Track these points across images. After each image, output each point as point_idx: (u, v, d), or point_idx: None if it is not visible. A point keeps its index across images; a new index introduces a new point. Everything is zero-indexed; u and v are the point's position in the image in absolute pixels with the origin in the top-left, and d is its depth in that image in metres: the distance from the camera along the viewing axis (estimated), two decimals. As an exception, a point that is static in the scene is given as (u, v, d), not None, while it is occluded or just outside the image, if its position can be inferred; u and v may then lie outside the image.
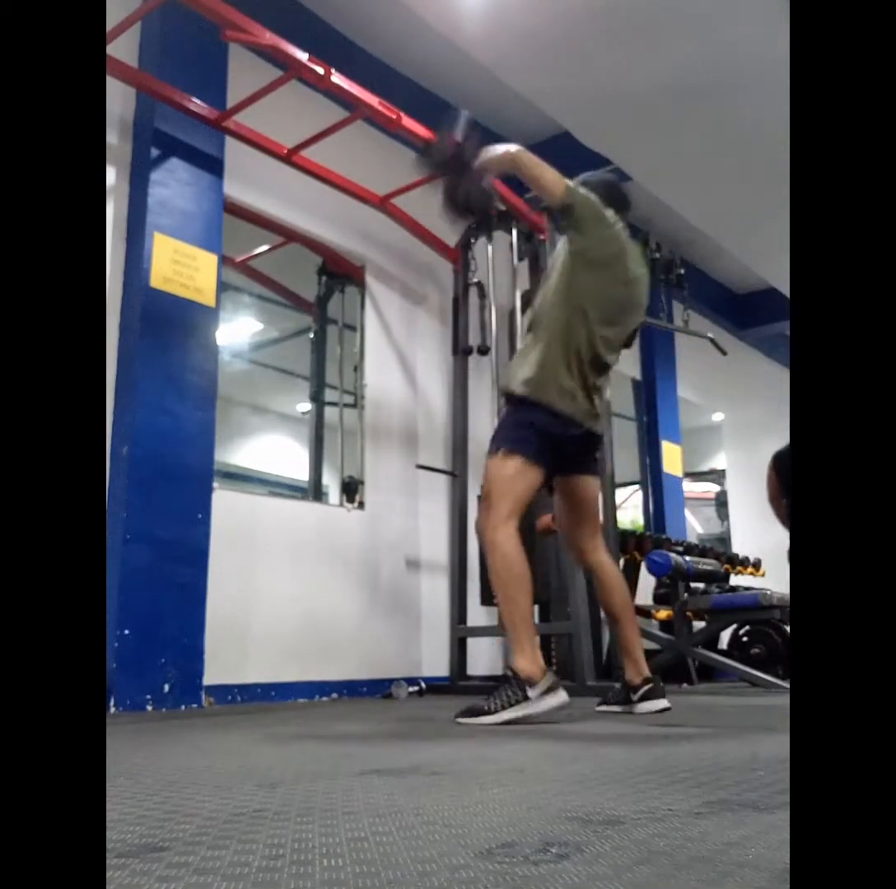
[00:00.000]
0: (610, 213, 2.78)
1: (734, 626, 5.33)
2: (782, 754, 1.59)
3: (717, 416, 8.58)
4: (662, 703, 2.77)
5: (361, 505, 4.62)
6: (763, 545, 7.20)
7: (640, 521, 7.20)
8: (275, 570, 4.05)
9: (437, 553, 4.88)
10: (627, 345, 2.93)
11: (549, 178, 2.74)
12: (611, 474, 4.65)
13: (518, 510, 2.65)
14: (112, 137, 3.75)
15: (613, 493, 5.15)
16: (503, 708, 2.44)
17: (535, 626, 2.67)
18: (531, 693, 2.45)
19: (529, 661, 2.49)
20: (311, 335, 5.19)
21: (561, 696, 2.49)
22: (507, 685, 2.48)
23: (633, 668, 2.83)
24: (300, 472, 5.34)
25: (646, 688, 2.78)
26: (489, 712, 2.44)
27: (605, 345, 2.76)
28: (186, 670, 3.41)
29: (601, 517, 3.13)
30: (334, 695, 4.16)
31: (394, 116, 3.86)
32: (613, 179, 3.09)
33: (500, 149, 2.85)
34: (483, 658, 4.97)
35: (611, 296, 2.78)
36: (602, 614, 4.93)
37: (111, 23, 3.33)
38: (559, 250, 2.89)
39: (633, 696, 2.81)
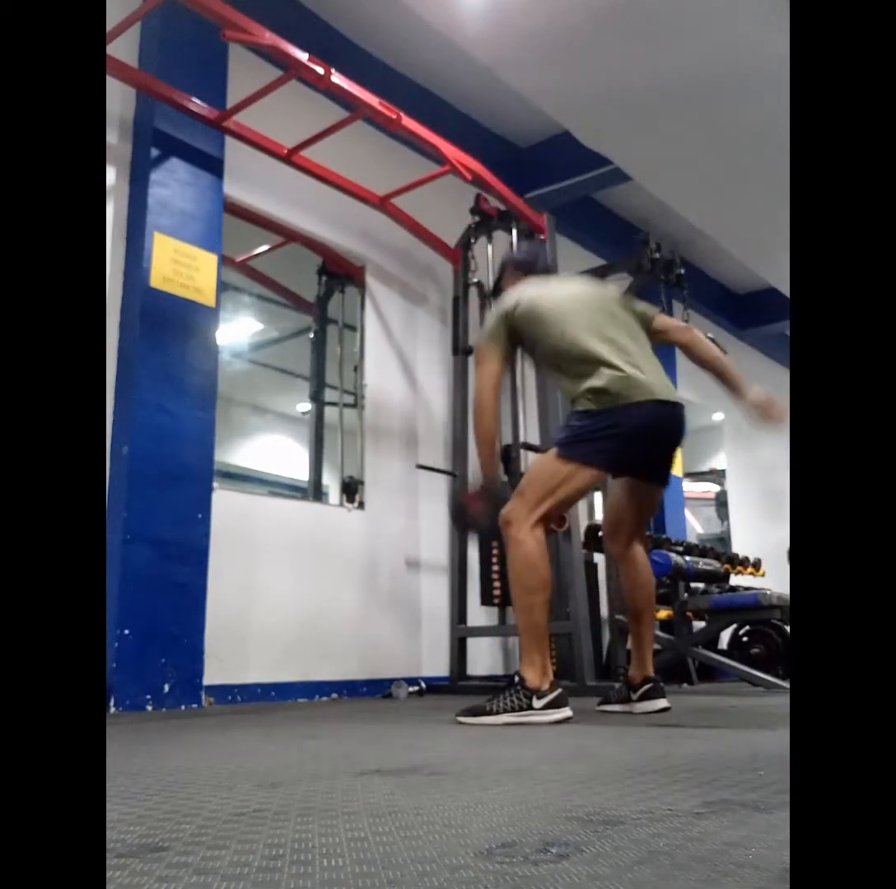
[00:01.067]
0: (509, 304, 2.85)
1: (734, 626, 5.32)
2: (782, 754, 1.59)
3: (717, 416, 8.58)
4: (662, 703, 2.77)
5: (361, 505, 4.62)
6: (763, 545, 7.21)
7: (640, 521, 7.19)
8: (275, 570, 4.05)
9: (437, 553, 4.88)
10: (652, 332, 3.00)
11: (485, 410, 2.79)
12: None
13: (555, 511, 2.65)
14: (112, 137, 3.75)
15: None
16: (504, 711, 2.44)
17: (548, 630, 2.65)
18: (536, 703, 2.44)
19: (538, 671, 2.48)
20: (311, 335, 5.19)
21: (565, 712, 2.47)
22: (513, 690, 2.47)
23: (637, 667, 2.83)
24: (300, 472, 5.34)
25: (646, 687, 2.78)
26: (490, 713, 2.44)
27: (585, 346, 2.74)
28: (186, 670, 3.41)
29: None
30: (334, 695, 4.16)
31: (394, 116, 3.86)
32: (522, 257, 3.31)
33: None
34: (483, 658, 4.97)
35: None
36: (603, 612, 4.94)
37: (111, 23, 3.33)
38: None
39: (634, 694, 2.81)
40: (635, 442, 2.63)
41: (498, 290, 3.29)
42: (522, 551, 2.55)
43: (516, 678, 2.50)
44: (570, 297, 2.85)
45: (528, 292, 2.86)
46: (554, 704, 2.46)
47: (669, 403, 2.71)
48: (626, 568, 2.91)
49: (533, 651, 2.50)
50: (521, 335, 2.82)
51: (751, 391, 2.80)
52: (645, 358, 2.76)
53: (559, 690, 2.49)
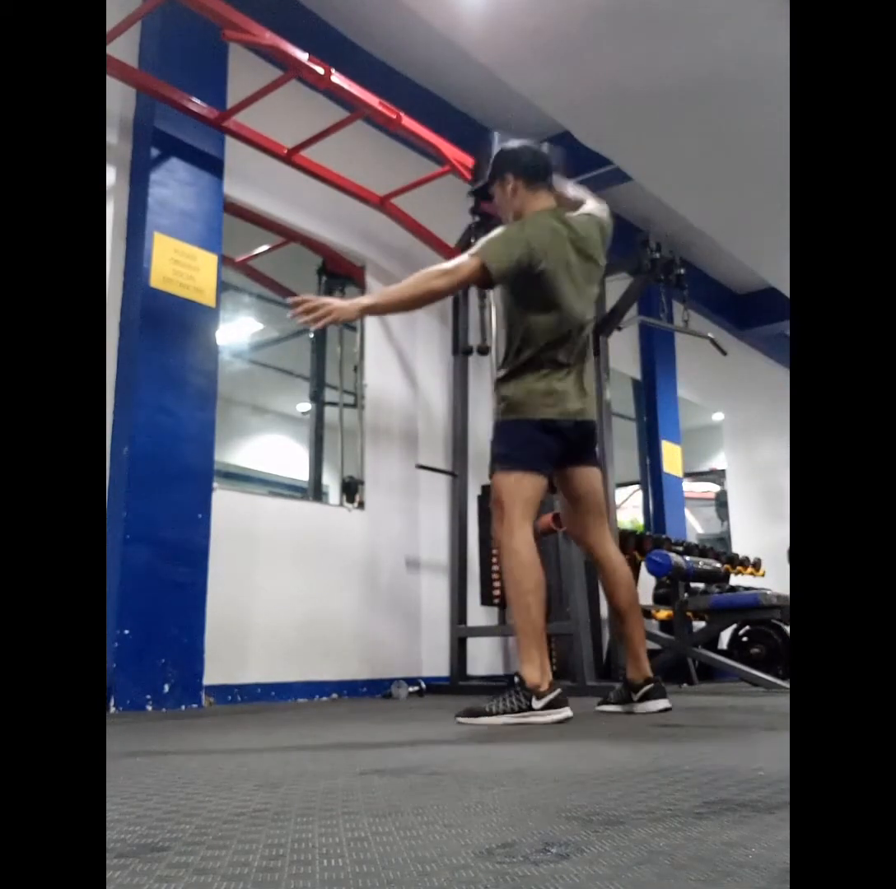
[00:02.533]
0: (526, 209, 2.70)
1: (734, 626, 5.32)
2: (782, 754, 1.59)
3: (717, 416, 8.58)
4: (663, 703, 2.77)
5: (361, 505, 4.62)
6: (763, 545, 7.21)
7: (640, 521, 7.20)
8: (275, 570, 4.05)
9: (437, 553, 4.88)
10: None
11: (434, 281, 2.53)
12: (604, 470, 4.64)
13: (530, 514, 2.67)
14: (112, 137, 3.75)
15: (613, 493, 5.16)
16: (504, 712, 2.43)
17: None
18: (535, 704, 2.44)
19: (537, 672, 2.47)
20: (311, 335, 5.18)
21: (565, 712, 2.46)
22: (513, 691, 2.47)
23: (634, 667, 2.82)
24: (300, 472, 5.34)
25: (647, 688, 2.78)
26: (489, 714, 2.44)
27: (556, 323, 2.70)
28: (186, 670, 3.41)
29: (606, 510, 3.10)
30: (334, 695, 4.16)
31: (394, 116, 3.87)
32: (529, 147, 2.89)
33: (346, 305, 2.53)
34: (483, 658, 4.97)
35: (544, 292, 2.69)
36: (603, 612, 4.94)
37: (111, 23, 3.33)
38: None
39: (634, 695, 2.80)
40: (546, 440, 2.70)
41: (483, 194, 2.94)
42: (516, 556, 2.58)
43: (516, 679, 2.50)
44: (574, 263, 2.71)
45: (543, 235, 2.64)
46: (553, 704, 2.46)
47: (584, 423, 2.77)
48: (602, 572, 2.90)
49: (531, 649, 2.50)
50: (515, 279, 2.63)
51: None
52: (589, 363, 2.82)
53: (558, 690, 2.49)
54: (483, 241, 2.65)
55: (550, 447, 2.71)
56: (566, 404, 2.70)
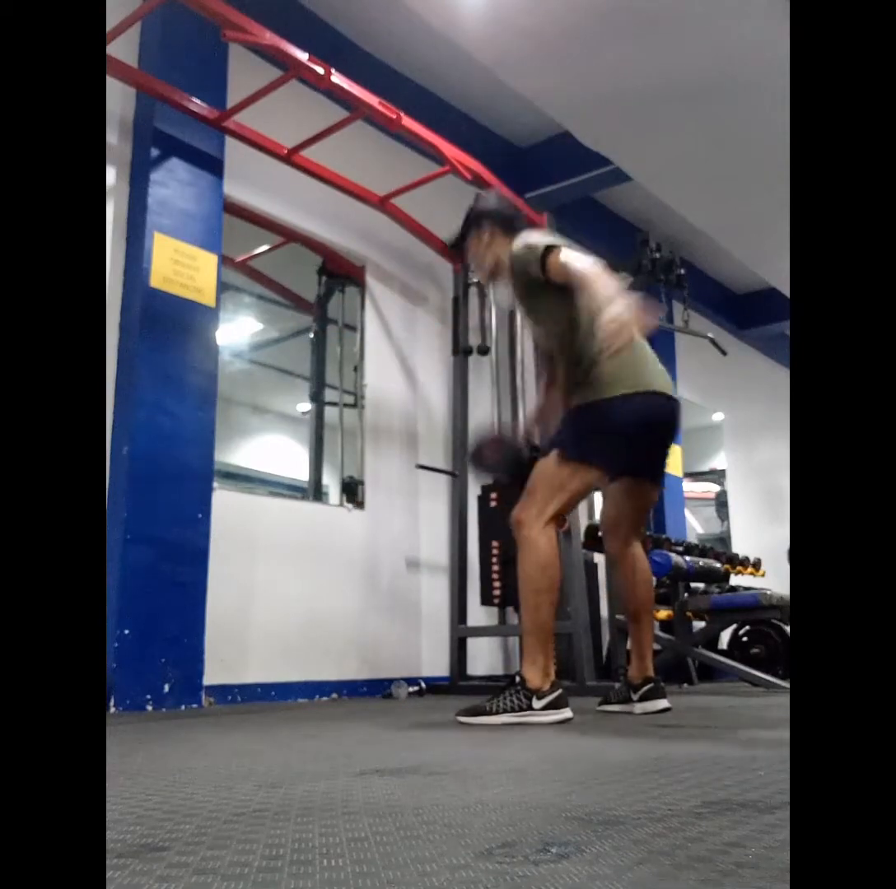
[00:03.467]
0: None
1: (734, 626, 5.32)
2: (782, 754, 1.59)
3: (717, 416, 8.58)
4: (663, 703, 2.77)
5: (361, 505, 4.62)
6: (763, 545, 7.21)
7: (640, 521, 7.18)
8: (275, 570, 4.05)
9: (437, 553, 4.88)
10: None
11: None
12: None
13: (564, 510, 2.64)
14: (112, 137, 3.75)
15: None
16: (504, 711, 2.43)
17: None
18: (536, 704, 2.43)
19: (540, 672, 2.46)
20: (311, 335, 5.18)
21: (565, 713, 2.46)
22: (513, 690, 2.45)
23: (637, 667, 2.83)
24: (300, 472, 5.33)
25: (646, 687, 2.78)
26: (489, 713, 2.43)
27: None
28: (186, 670, 3.41)
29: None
30: (334, 695, 4.16)
31: (394, 116, 3.86)
32: (501, 197, 2.99)
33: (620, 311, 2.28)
34: (483, 658, 4.97)
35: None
36: (603, 612, 4.94)
37: (111, 23, 3.33)
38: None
39: (634, 695, 2.81)
40: (634, 442, 2.61)
41: (459, 246, 2.90)
42: (535, 552, 2.51)
43: (517, 678, 2.48)
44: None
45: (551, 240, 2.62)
46: (554, 705, 2.45)
47: (667, 396, 2.67)
48: (624, 567, 2.90)
49: (536, 651, 2.48)
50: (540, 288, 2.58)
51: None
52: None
53: (560, 691, 2.48)
54: (534, 248, 2.56)
55: (634, 445, 2.60)
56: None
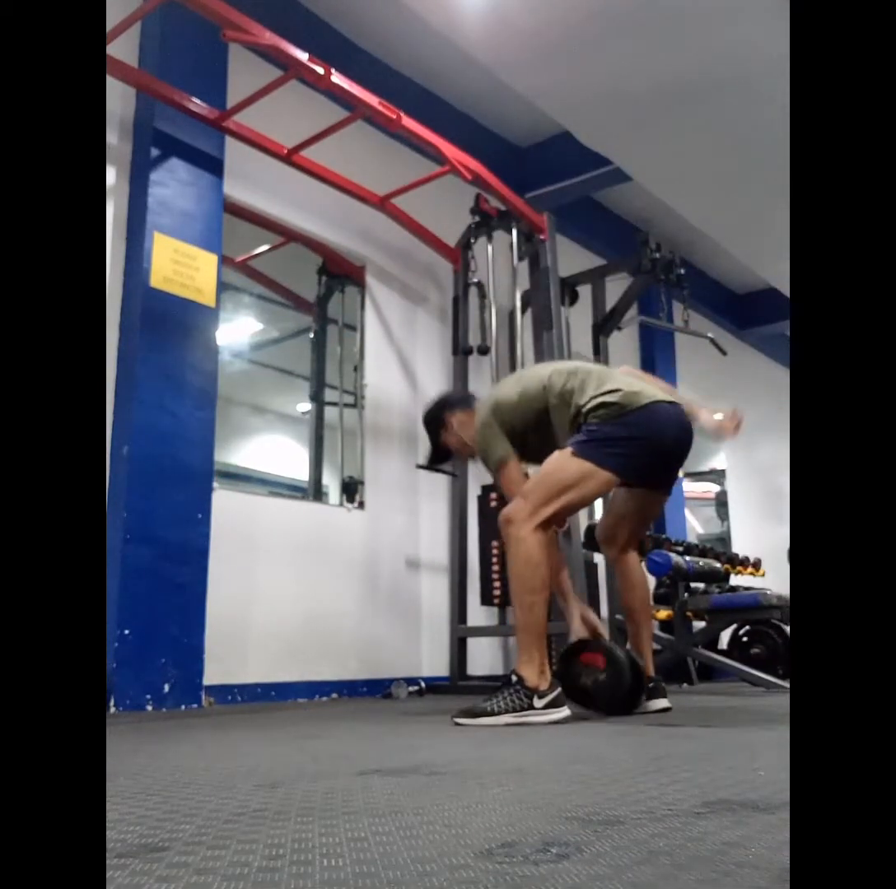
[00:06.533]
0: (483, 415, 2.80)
1: (734, 626, 5.32)
2: (782, 754, 1.59)
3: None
4: (663, 703, 2.77)
5: (361, 505, 4.62)
6: (763, 545, 7.21)
7: (640, 521, 7.18)
8: (275, 570, 4.05)
9: (437, 553, 4.88)
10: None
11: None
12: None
13: (561, 515, 2.61)
14: (112, 137, 3.75)
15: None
16: (504, 711, 2.40)
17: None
18: (537, 703, 2.42)
19: (536, 670, 2.45)
20: (311, 335, 5.18)
21: (564, 711, 2.45)
22: (511, 689, 2.44)
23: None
24: (300, 472, 5.33)
25: (647, 687, 2.78)
26: (490, 714, 2.40)
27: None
28: (186, 670, 3.41)
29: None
30: (334, 695, 4.16)
31: (394, 116, 3.86)
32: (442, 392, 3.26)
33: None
34: (483, 658, 4.97)
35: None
36: (603, 612, 4.94)
37: (111, 23, 3.33)
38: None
39: (634, 695, 2.81)
40: (654, 451, 2.61)
41: (438, 445, 3.11)
42: (524, 549, 2.49)
43: (514, 677, 2.46)
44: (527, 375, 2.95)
45: (491, 398, 2.85)
46: (553, 704, 2.44)
47: (674, 403, 2.71)
48: (620, 571, 2.99)
49: (532, 649, 2.47)
50: (513, 425, 2.75)
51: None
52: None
53: (559, 689, 2.48)
54: (489, 453, 2.75)
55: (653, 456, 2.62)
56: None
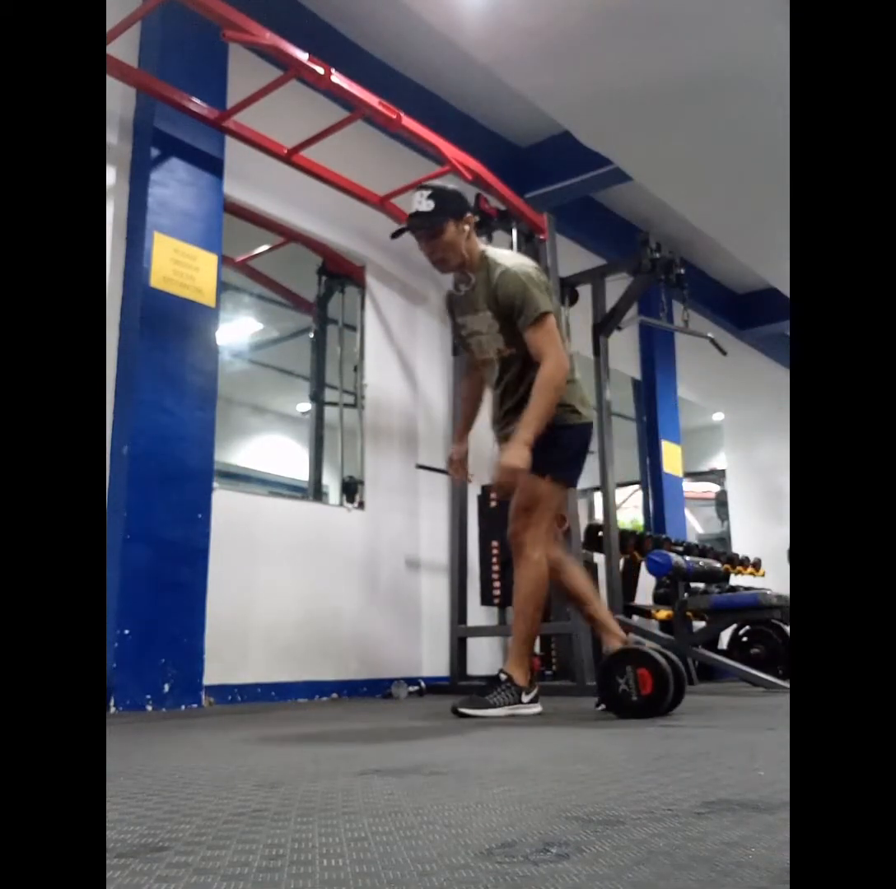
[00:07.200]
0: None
1: (734, 626, 5.32)
2: (782, 754, 1.59)
3: (717, 416, 8.58)
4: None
5: (361, 505, 4.62)
6: (763, 545, 7.21)
7: (640, 521, 7.20)
8: (275, 570, 4.05)
9: (437, 553, 4.88)
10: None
11: (557, 376, 2.73)
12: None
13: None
14: (112, 137, 3.75)
15: (613, 493, 5.16)
16: (504, 705, 2.70)
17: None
18: (524, 698, 2.76)
19: (524, 673, 2.79)
20: (311, 335, 5.18)
21: (538, 707, 2.81)
22: (504, 687, 2.74)
23: (613, 637, 2.85)
24: (300, 472, 5.33)
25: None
26: (492, 706, 2.68)
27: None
28: (186, 670, 3.41)
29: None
30: (334, 695, 4.16)
31: (394, 116, 3.86)
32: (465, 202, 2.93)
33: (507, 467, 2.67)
34: (483, 658, 4.97)
35: None
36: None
37: (111, 23, 3.33)
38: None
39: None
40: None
41: (429, 224, 2.81)
42: (538, 572, 2.77)
43: (503, 676, 2.76)
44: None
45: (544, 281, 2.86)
46: (533, 700, 2.80)
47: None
48: (556, 566, 2.96)
49: (524, 654, 2.81)
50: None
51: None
52: None
53: (536, 688, 2.85)
54: (532, 300, 2.74)
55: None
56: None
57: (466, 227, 2.87)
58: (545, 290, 2.81)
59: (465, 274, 2.91)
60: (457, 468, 3.23)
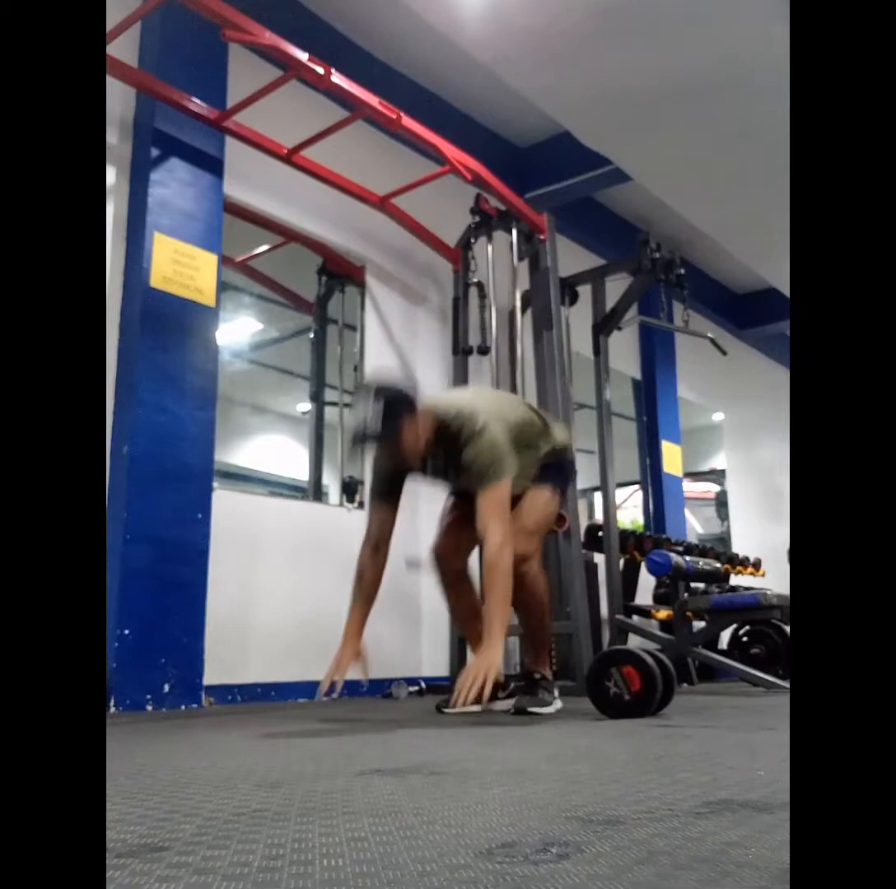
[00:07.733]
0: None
1: (734, 626, 5.32)
2: (782, 754, 1.59)
3: (717, 416, 8.58)
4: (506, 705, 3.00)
5: (361, 505, 4.62)
6: (763, 545, 7.21)
7: (640, 521, 7.20)
8: (275, 570, 4.05)
9: (437, 553, 4.87)
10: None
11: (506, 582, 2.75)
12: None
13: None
14: (112, 137, 3.75)
15: (613, 493, 5.16)
16: (552, 702, 2.94)
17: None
18: (556, 693, 3.00)
19: (550, 670, 3.07)
20: (311, 335, 5.18)
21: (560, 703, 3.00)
22: (545, 685, 2.99)
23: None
24: (300, 472, 5.34)
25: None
26: (548, 703, 2.90)
27: None
28: (186, 670, 3.41)
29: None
30: (334, 695, 4.15)
31: (394, 116, 3.86)
32: (401, 379, 2.91)
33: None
34: (483, 658, 4.96)
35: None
36: (603, 612, 4.94)
37: (111, 23, 3.32)
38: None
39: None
40: None
41: (389, 437, 2.65)
42: (541, 584, 2.98)
43: (537, 675, 2.99)
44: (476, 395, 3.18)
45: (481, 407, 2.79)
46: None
47: None
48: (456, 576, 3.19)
49: (548, 656, 3.10)
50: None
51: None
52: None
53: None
54: (498, 470, 2.67)
55: None
56: None
57: (416, 423, 2.67)
58: (506, 453, 2.70)
59: (423, 460, 2.82)
60: (348, 671, 3.01)
